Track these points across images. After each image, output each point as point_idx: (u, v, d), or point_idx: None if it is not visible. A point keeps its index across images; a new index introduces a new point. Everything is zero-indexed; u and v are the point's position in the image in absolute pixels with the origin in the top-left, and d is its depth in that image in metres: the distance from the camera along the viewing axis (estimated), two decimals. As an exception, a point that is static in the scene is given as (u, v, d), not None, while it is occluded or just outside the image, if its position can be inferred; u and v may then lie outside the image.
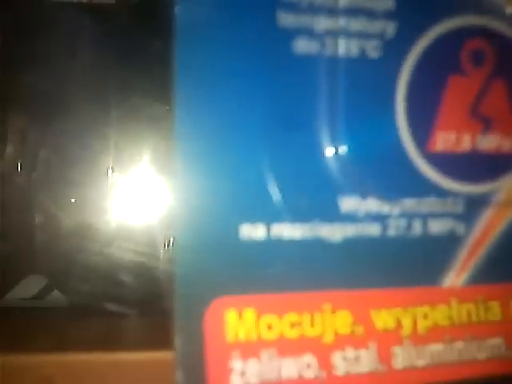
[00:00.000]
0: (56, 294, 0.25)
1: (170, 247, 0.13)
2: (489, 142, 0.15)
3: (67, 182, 0.23)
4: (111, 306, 0.20)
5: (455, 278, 0.15)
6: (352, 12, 0.13)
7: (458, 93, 0.14)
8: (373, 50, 0.14)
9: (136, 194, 0.22)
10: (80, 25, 0.26)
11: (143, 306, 0.20)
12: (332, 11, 0.13)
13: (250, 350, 0.13)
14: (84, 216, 0.22)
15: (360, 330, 0.14)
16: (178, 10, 0.13)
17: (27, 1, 0.27)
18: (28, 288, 0.25)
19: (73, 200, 0.24)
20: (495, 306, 0.15)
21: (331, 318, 0.13)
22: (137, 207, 0.22)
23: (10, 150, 0.25)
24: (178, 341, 0.13)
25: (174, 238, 0.13)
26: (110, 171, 0.23)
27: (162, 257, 0.20)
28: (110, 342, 0.17)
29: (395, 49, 0.14)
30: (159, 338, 0.14)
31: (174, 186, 0.13)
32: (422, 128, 0.14)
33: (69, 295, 0.24)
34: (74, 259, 0.23)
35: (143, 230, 0.21)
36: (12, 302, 0.25)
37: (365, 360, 0.14)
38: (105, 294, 0.20)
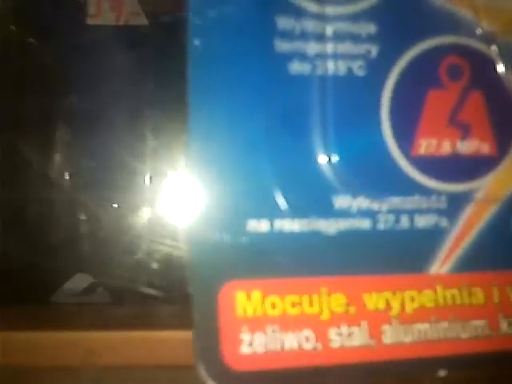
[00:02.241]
0: (100, 291, 0.28)
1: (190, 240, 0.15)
2: (467, 147, 0.17)
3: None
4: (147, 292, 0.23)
5: (440, 266, 0.16)
6: (339, 37, 0.16)
7: (437, 104, 0.16)
8: (359, 68, 0.16)
9: (164, 198, 0.25)
10: (117, 45, 0.29)
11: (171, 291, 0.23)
12: (321, 37, 0.16)
13: (257, 324, 0.15)
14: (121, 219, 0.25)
15: (353, 310, 0.16)
16: (192, 40, 0.15)
17: (69, 26, 0.30)
18: (76, 284, 0.28)
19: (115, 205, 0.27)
20: (479, 292, 0.17)
21: (327, 300, 0.16)
22: (164, 209, 0.25)
23: (58, 158, 0.28)
24: (196, 318, 0.15)
25: (193, 233, 0.15)
26: (144, 179, 0.26)
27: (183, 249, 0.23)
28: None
29: (379, 67, 0.16)
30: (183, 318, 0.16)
31: (194, 190, 0.15)
32: (405, 135, 0.16)
33: (112, 290, 0.27)
34: (116, 258, 0.26)
35: (169, 227, 0.24)
36: (63, 296, 0.28)
37: (357, 336, 0.16)
38: (140, 284, 0.23)
